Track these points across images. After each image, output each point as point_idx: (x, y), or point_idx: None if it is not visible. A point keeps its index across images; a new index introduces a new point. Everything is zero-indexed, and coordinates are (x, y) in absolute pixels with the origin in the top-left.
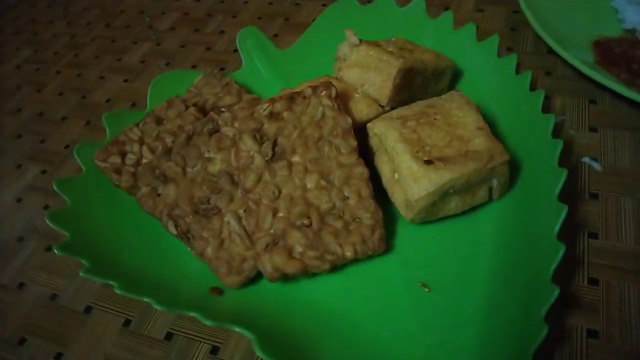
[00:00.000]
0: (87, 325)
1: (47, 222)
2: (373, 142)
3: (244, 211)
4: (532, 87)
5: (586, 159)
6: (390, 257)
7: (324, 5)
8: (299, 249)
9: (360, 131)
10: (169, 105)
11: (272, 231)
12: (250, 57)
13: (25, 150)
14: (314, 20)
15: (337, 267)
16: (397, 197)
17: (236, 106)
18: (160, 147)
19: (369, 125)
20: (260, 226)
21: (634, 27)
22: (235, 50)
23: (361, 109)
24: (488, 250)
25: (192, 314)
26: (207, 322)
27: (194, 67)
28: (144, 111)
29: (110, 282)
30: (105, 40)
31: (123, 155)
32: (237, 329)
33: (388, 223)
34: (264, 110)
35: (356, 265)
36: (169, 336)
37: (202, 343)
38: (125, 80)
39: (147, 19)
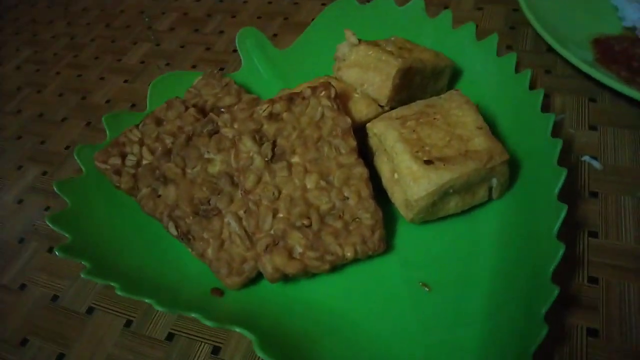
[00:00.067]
0: (89, 326)
1: (48, 224)
2: (372, 142)
3: (244, 212)
4: (532, 86)
5: (586, 158)
6: (390, 257)
7: (323, 4)
8: (299, 249)
9: (359, 131)
10: (169, 106)
11: (272, 232)
12: (249, 57)
13: (26, 151)
14: (313, 19)
15: (337, 267)
16: (396, 197)
17: (235, 107)
18: (160, 148)
19: (368, 125)
20: (260, 227)
21: (633, 25)
22: (235, 50)
23: (360, 109)
24: (488, 249)
25: (193, 314)
26: (208, 323)
27: (193, 67)
28: (143, 112)
29: (112, 284)
30: (105, 41)
31: (123, 156)
32: (237, 330)
33: (388, 223)
34: (264, 111)
35: (356, 265)
36: (170, 337)
37: (203, 343)
38: (125, 81)
39: (147, 19)
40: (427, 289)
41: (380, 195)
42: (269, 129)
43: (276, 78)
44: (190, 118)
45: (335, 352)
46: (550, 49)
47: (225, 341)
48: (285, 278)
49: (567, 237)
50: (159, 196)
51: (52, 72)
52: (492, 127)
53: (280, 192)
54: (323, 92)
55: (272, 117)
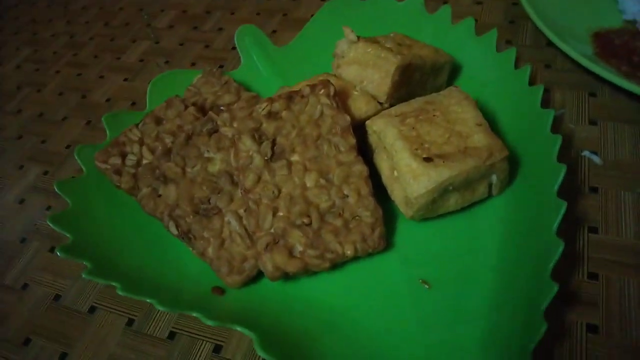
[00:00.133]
0: (91, 325)
1: (49, 224)
2: (372, 139)
3: (245, 211)
4: (532, 81)
5: (586, 153)
6: (390, 255)
7: (322, 0)
8: (299, 247)
9: (359, 129)
10: (168, 105)
11: (272, 230)
12: (248, 54)
13: (26, 151)
14: (312, 15)
15: (337, 265)
16: (396, 194)
17: (235, 105)
18: (160, 148)
19: (367, 122)
20: (260, 226)
21: (634, 18)
22: (234, 47)
23: (360, 106)
24: (488, 246)
25: (194, 314)
26: (209, 322)
27: (193, 65)
28: (143, 111)
29: (113, 284)
30: (104, 39)
31: (123, 156)
32: (238, 329)
33: (388, 220)
34: (263, 109)
35: (356, 263)
36: (171, 335)
37: (204, 342)
38: (125, 79)
39: (146, 17)
40: (427, 286)
41: (380, 192)
42: (268, 127)
43: (275, 75)
44: (190, 117)
45: (335, 350)
46: (550, 43)
47: (227, 339)
48: (286, 276)
49: (567, 233)
50: (160, 196)
51: (51, 71)
52: (491, 123)
53: (280, 191)
54: (322, 90)
55: (272, 115)
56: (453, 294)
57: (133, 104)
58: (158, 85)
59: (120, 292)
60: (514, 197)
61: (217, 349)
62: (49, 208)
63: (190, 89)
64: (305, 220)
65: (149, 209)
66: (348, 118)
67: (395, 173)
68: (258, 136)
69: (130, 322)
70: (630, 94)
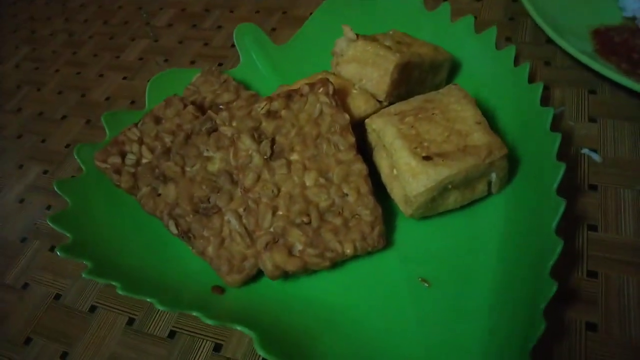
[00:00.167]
0: (92, 324)
1: (49, 224)
2: (371, 137)
3: (244, 210)
4: (531, 79)
5: (585, 150)
6: (390, 253)
7: None
8: (299, 246)
9: (358, 127)
10: (167, 104)
11: (272, 229)
12: (247, 53)
13: (26, 150)
14: (311, 13)
15: (337, 264)
16: (396, 192)
17: (234, 104)
18: (159, 147)
19: (367, 121)
20: (260, 225)
21: (634, 15)
22: (234, 45)
23: (359, 104)
24: (487, 245)
25: (194, 313)
26: (209, 322)
27: (192, 63)
28: (142, 110)
29: (113, 283)
30: (103, 37)
31: (123, 155)
32: (238, 328)
33: (387, 219)
34: (262, 108)
35: (356, 261)
36: (172, 334)
37: (205, 340)
38: (124, 78)
39: (145, 15)
40: (426, 284)
41: (379, 190)
42: (267, 126)
43: (275, 74)
44: (189, 116)
45: (335, 349)
46: (549, 40)
47: (227, 338)
48: (286, 275)
49: (567, 231)
50: (159, 195)
51: (51, 70)
52: (491, 121)
53: (279, 190)
54: (321, 89)
55: (271, 114)
56: (452, 292)
57: (132, 102)
58: (157, 84)
59: (120, 292)
60: (514, 195)
61: (218, 347)
62: (49, 207)
63: (190, 88)
64: (305, 219)
65: (149, 208)
66: (347, 117)
67: (395, 171)
68: (257, 135)
69: (130, 321)
70: (630, 91)
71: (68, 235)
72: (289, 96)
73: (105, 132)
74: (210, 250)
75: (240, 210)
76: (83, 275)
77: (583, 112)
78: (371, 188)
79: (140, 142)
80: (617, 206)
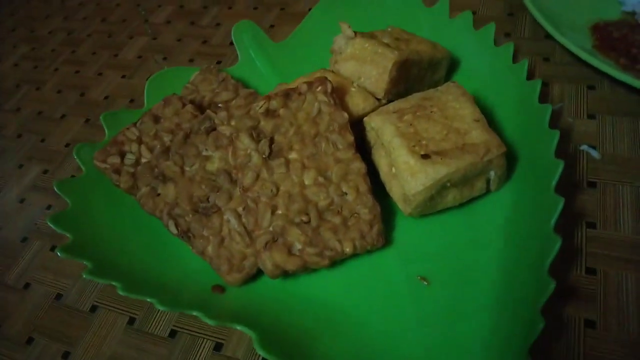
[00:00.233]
0: (93, 324)
1: (49, 224)
2: (370, 136)
3: (243, 209)
4: (530, 74)
5: (584, 147)
6: (389, 251)
7: None
8: (298, 245)
9: (357, 125)
10: (166, 103)
11: (271, 229)
12: (246, 51)
13: (26, 149)
14: (310, 9)
15: (336, 262)
16: (394, 191)
17: (232, 103)
18: (158, 146)
19: (365, 119)
20: (259, 224)
21: (633, 9)
22: (232, 43)
23: (358, 102)
24: (486, 242)
25: (194, 313)
26: (209, 322)
27: (190, 61)
28: (141, 109)
29: (113, 283)
30: (101, 36)
31: (122, 155)
32: (238, 328)
33: (386, 217)
34: (260, 107)
35: (355, 260)
36: (172, 333)
37: (205, 340)
38: (123, 76)
39: (143, 13)
40: (425, 282)
41: (378, 189)
42: (265, 125)
43: (273, 71)
44: (188, 115)
45: (335, 348)
46: (548, 36)
47: (228, 337)
48: (285, 274)
49: (565, 228)
50: (159, 195)
51: (50, 69)
52: (489, 118)
53: (278, 189)
54: (319, 88)
55: (269, 113)
56: (451, 290)
57: (131, 101)
58: (156, 83)
59: (120, 292)
60: (512, 192)
61: (218, 346)
62: (49, 207)
63: (188, 87)
64: (304, 218)
65: (149, 208)
66: (346, 115)
67: (394, 170)
68: (256, 134)
69: (131, 321)
70: (629, 87)
71: (68, 235)
72: (287, 95)
73: (104, 132)
74: (210, 249)
75: (240, 209)
76: (83, 276)
77: (582, 109)
78: (370, 187)
79: (139, 141)
80: (616, 203)
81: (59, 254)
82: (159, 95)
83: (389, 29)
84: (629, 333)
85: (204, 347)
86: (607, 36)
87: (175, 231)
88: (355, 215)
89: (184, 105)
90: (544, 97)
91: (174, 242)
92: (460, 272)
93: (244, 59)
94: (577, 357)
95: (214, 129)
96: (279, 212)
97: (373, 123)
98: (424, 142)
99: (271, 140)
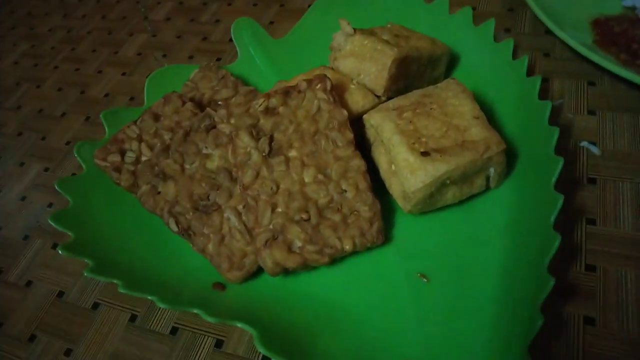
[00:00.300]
0: (95, 321)
1: (51, 223)
2: (370, 133)
3: (243, 207)
4: (530, 70)
5: (584, 143)
6: (389, 249)
7: None
8: (298, 243)
9: (356, 122)
10: (166, 101)
11: (271, 226)
12: (245, 48)
13: (27, 147)
14: (309, 5)
15: (336, 260)
16: (394, 188)
17: (232, 100)
18: (158, 144)
19: (365, 116)
20: (259, 222)
21: (633, 4)
22: (232, 40)
23: (357, 99)
24: (486, 239)
25: (195, 310)
26: (210, 319)
27: (190, 58)
28: (141, 107)
29: (115, 281)
30: (101, 33)
31: (122, 153)
32: (239, 325)
33: (386, 214)
34: (260, 105)
35: (355, 257)
36: (174, 330)
37: (206, 337)
38: (123, 74)
39: (143, 10)
40: (425, 280)
41: (378, 186)
42: (265, 123)
43: (273, 68)
44: (188, 113)
45: (334, 346)
46: (549, 31)
47: (228, 335)
48: (286, 272)
49: (565, 225)
50: (159, 193)
51: (50, 67)
52: (489, 115)
53: (278, 187)
54: (319, 85)
55: (269, 111)
56: (451, 287)
57: (131, 99)
58: (156, 81)
59: (122, 290)
60: (512, 189)
61: (219, 343)
62: (50, 205)
63: (188, 84)
64: (304, 216)
65: (149, 206)
66: (345, 113)
67: (393, 167)
68: (255, 132)
69: (133, 318)
70: (629, 83)
71: (69, 233)
72: (286, 93)
73: (104, 129)
74: (210, 247)
75: (240, 207)
76: (85, 274)
77: (582, 105)
78: (370, 184)
79: (140, 139)
80: (616, 199)
81: (60, 252)
82: (159, 93)
83: (389, 26)
84: (628, 330)
85: (205, 344)
86: (607, 31)
87: (175, 229)
88: (355, 212)
89: (183, 103)
90: (544, 93)
91: (174, 240)
92: (459, 269)
93: (243, 56)
94: (576, 354)
95: (214, 127)
96: (279, 209)
97: (372, 120)
98: (423, 139)
99: (271, 138)
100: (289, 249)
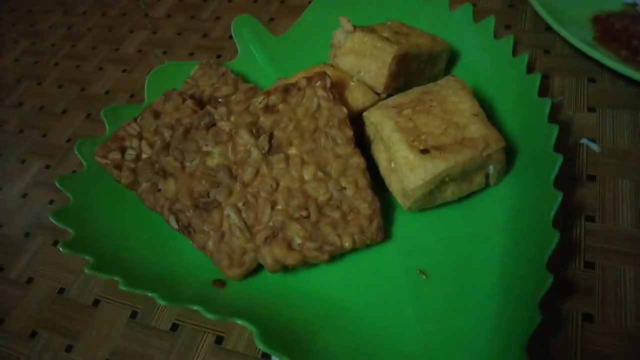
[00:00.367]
0: (95, 318)
1: (52, 220)
2: (369, 130)
3: (243, 204)
4: (531, 67)
5: (584, 140)
6: (388, 246)
7: None
8: (298, 240)
9: (356, 120)
10: (166, 98)
11: (271, 224)
12: (246, 45)
13: (28, 145)
14: (309, 3)
15: (336, 257)
16: (394, 186)
17: (232, 98)
18: (158, 142)
19: (365, 114)
20: (259, 219)
21: (634, 0)
22: (232, 37)
23: (357, 97)
24: (485, 237)
25: (195, 307)
26: (210, 316)
27: (191, 55)
28: (142, 105)
29: (115, 278)
30: (102, 30)
31: (123, 150)
32: (239, 322)
33: (385, 211)
34: (259, 103)
35: (355, 254)
36: (174, 327)
37: (206, 333)
38: (124, 71)
39: (143, 7)
40: (424, 276)
41: (377, 183)
42: (265, 121)
43: (273, 65)
44: (188, 110)
45: (334, 343)
46: (549, 28)
47: (228, 331)
48: (285, 269)
49: (564, 222)
50: (159, 190)
51: (50, 64)
52: (488, 112)
53: (278, 184)
54: (318, 83)
55: (268, 109)
56: (450, 284)
57: (132, 96)
58: (156, 78)
59: (122, 287)
60: (512, 187)
61: (219, 340)
62: (51, 202)
63: (188, 82)
64: (304, 213)
65: (149, 204)
66: (345, 110)
67: (393, 164)
68: (255, 130)
69: (133, 315)
70: (629, 79)
71: (70, 230)
72: (286, 90)
73: (105, 127)
74: (210, 244)
75: (240, 204)
76: (85, 271)
77: (582, 102)
78: (369, 181)
79: (140, 137)
80: (615, 197)
81: (61, 249)
82: (159, 90)
83: (389, 23)
84: (627, 327)
85: (205, 340)
86: (608, 28)
87: (176, 226)
88: (355, 210)
89: (184, 100)
90: (544, 90)
91: (174, 237)
92: (458, 266)
93: (243, 53)
94: (575, 351)
95: (214, 125)
96: (279, 207)
97: (372, 118)
98: (423, 136)
99: (270, 136)
100: (289, 246)
